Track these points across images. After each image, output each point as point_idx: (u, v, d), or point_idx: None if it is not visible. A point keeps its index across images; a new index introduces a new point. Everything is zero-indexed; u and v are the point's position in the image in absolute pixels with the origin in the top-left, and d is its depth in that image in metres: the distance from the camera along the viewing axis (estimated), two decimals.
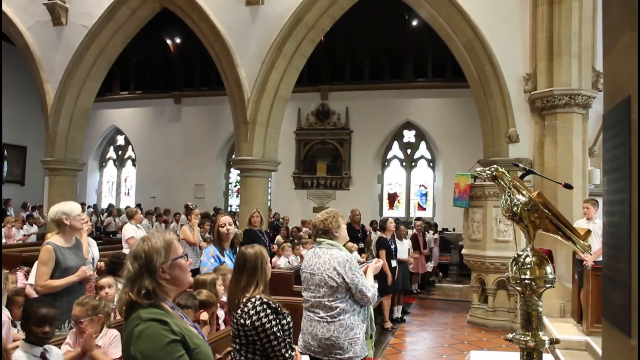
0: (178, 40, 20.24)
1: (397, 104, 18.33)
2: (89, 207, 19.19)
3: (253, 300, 3.31)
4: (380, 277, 9.16)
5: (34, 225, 13.80)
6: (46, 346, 3.40)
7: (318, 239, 4.19)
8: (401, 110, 18.46)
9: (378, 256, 9.49)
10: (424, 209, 19.14)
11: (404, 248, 10.00)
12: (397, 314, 9.85)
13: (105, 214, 17.89)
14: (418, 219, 14.86)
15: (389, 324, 9.17)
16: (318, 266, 4.02)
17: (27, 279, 5.91)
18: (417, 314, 10.56)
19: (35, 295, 4.76)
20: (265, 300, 3.31)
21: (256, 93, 12.09)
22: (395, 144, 19.48)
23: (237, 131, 12.54)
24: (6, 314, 4.20)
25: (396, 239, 9.67)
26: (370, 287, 4.03)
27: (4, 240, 12.20)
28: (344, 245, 4.26)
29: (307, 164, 19.32)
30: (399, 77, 18.56)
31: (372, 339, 4.23)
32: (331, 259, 3.98)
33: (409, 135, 19.32)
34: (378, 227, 10.80)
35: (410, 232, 12.23)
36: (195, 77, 20.92)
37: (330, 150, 19.11)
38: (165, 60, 21.01)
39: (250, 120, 12.15)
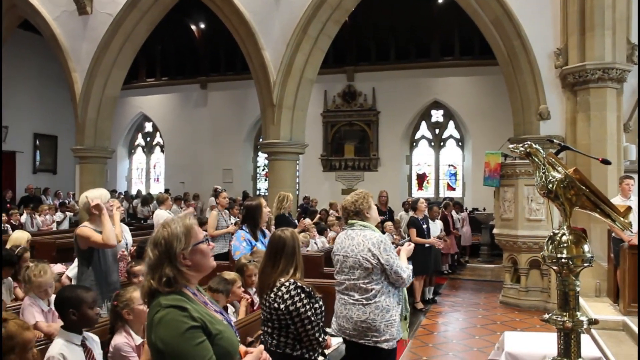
0: (202, 26, 20.23)
1: (424, 83, 18.08)
2: (119, 193, 19.43)
3: (287, 284, 3.28)
4: (413, 258, 9.10)
5: (66, 213, 14.01)
6: (84, 333, 3.38)
7: (349, 221, 4.11)
8: (428, 90, 18.22)
9: (409, 235, 9.42)
10: (454, 189, 18.96)
11: (436, 229, 9.89)
12: (429, 295, 9.78)
13: (137, 201, 18.05)
14: (447, 199, 14.72)
15: (420, 305, 9.11)
16: (352, 248, 3.95)
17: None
18: (448, 295, 10.47)
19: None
20: (299, 284, 3.29)
21: (282, 76, 12.03)
22: (423, 124, 19.24)
23: (264, 114, 12.53)
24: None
25: (429, 220, 9.57)
26: (405, 268, 3.97)
27: (40, 228, 12.43)
28: (377, 226, 4.20)
29: (334, 146, 19.24)
30: (426, 56, 18.28)
31: (407, 320, 4.19)
32: (365, 240, 3.92)
33: (437, 115, 19.08)
34: (409, 207, 10.69)
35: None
36: (221, 62, 20.91)
37: (358, 131, 18.98)
38: (190, 46, 21.03)
39: (276, 103, 12.11)
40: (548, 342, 4.40)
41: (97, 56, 13.73)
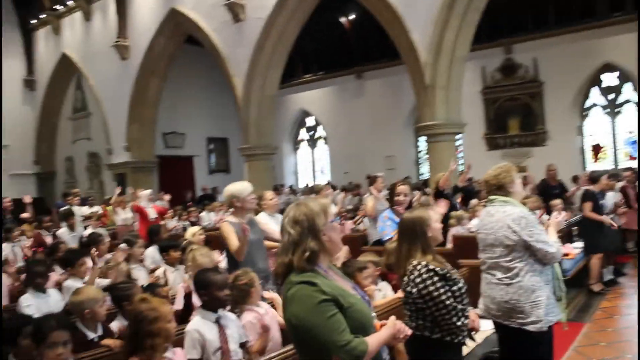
0: (351, 17, 20.39)
1: (591, 46, 16.53)
2: (281, 186, 20.29)
3: (419, 267, 3.19)
4: (584, 235, 8.39)
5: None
6: (220, 312, 3.67)
7: (490, 197, 3.90)
8: (597, 53, 16.65)
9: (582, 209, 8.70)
10: (635, 159, 17.22)
11: (609, 203, 9.07)
12: (609, 275, 8.98)
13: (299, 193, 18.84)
14: (627, 169, 13.42)
15: (599, 287, 8.37)
16: (491, 225, 3.75)
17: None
18: (633, 275, 9.50)
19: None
20: (431, 267, 3.16)
21: (432, 56, 11.73)
22: (594, 91, 17.58)
23: (418, 97, 12.32)
24: None
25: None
26: (553, 243, 3.65)
27: (213, 224, 13.42)
28: (523, 202, 3.95)
29: (497, 123, 18.34)
30: (590, 15, 16.67)
31: (563, 300, 3.85)
32: (505, 216, 3.69)
33: (609, 79, 17.32)
34: (588, 181, 9.86)
35: (618, 185, 11.08)
36: (374, 50, 20.89)
37: (521, 105, 17.89)
38: (342, 38, 21.26)
39: (429, 85, 11.84)
40: None
41: (253, 59, 14.39)
